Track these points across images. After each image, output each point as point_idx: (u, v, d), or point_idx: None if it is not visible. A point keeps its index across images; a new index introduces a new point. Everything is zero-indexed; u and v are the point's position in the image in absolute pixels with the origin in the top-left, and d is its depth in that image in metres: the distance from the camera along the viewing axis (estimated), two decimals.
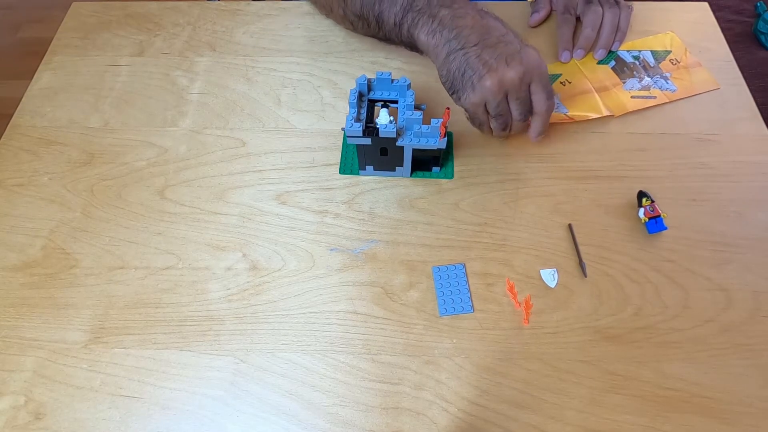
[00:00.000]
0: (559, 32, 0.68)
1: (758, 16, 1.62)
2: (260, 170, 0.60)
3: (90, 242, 0.55)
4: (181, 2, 0.75)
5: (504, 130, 0.55)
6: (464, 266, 0.53)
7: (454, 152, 0.60)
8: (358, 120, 0.52)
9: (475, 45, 0.51)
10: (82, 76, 0.68)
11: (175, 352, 0.49)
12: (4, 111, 0.72)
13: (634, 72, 0.66)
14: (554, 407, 0.46)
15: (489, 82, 0.50)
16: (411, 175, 0.58)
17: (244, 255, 0.54)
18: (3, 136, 0.63)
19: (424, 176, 0.58)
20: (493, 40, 0.51)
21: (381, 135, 0.51)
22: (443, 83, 0.54)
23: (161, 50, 0.70)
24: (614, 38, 0.67)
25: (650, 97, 0.63)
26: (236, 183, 0.59)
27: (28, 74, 0.69)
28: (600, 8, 0.67)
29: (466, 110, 0.54)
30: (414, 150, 0.54)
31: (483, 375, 0.47)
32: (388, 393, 0.47)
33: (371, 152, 0.55)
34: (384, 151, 0.54)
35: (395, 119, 0.53)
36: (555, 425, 0.45)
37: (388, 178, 0.59)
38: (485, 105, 0.53)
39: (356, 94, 0.53)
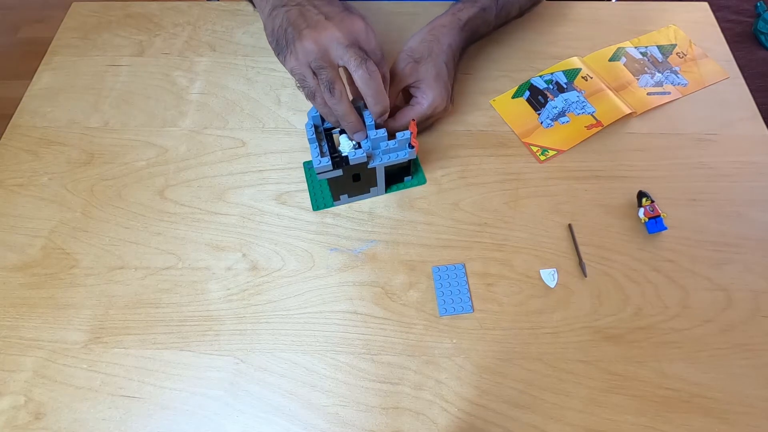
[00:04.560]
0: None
1: (758, 16, 1.62)
2: (260, 170, 0.60)
3: (90, 242, 0.55)
4: (181, 2, 0.75)
5: (333, 94, 0.48)
6: (464, 266, 0.53)
7: (453, 152, 0.60)
8: (323, 155, 0.50)
9: (297, 4, 0.49)
10: (82, 76, 0.68)
11: (175, 352, 0.49)
12: (4, 111, 0.72)
13: (645, 68, 0.66)
14: (554, 407, 0.46)
15: (308, 41, 0.47)
16: (386, 191, 0.58)
17: (244, 255, 0.54)
18: (3, 136, 0.63)
19: (398, 188, 0.58)
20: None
21: (351, 163, 0.50)
22: (269, 42, 0.52)
23: (161, 50, 0.70)
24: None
25: (665, 93, 0.64)
26: (236, 183, 0.59)
27: (28, 74, 0.69)
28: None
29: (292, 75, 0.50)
30: (384, 167, 0.53)
31: (483, 375, 0.47)
32: (388, 393, 0.47)
33: (344, 182, 0.53)
34: (357, 177, 0.53)
35: (358, 143, 0.52)
36: (555, 425, 0.45)
37: None
38: (311, 67, 0.49)
39: (312, 129, 0.51)
